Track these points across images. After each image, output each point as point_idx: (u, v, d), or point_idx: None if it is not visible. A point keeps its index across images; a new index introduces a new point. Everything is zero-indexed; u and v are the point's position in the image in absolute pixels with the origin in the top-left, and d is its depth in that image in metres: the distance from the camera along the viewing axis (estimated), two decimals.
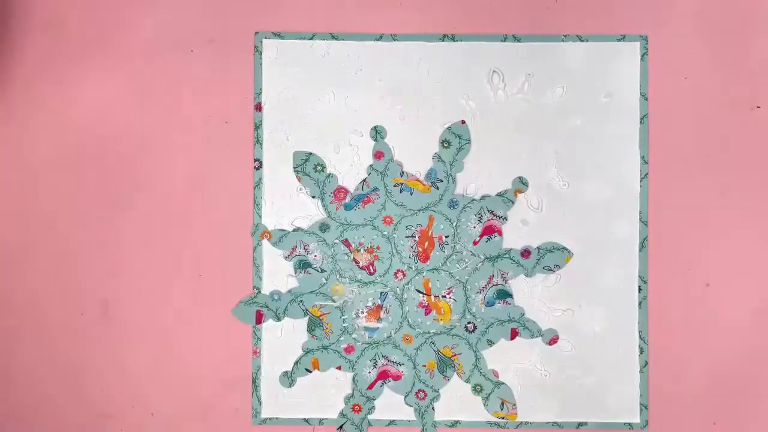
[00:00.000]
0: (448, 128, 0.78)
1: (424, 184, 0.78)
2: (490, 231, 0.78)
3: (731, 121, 0.78)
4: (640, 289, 0.77)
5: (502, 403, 0.77)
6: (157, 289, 0.78)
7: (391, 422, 0.78)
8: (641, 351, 0.77)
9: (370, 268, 0.78)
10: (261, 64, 0.79)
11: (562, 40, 0.78)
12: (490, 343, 0.78)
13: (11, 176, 0.78)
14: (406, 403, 0.77)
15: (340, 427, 0.77)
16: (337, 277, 0.78)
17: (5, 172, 0.78)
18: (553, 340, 0.77)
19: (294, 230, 0.78)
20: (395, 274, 0.78)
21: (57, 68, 0.78)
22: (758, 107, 0.78)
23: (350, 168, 0.78)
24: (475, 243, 0.78)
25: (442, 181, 0.78)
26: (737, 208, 0.77)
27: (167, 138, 0.78)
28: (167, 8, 0.79)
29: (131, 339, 0.78)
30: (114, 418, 0.77)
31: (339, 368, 0.78)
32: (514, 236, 0.78)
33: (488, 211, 0.78)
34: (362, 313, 0.78)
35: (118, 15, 0.79)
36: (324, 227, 0.78)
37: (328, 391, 0.78)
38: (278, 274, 0.78)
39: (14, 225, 0.78)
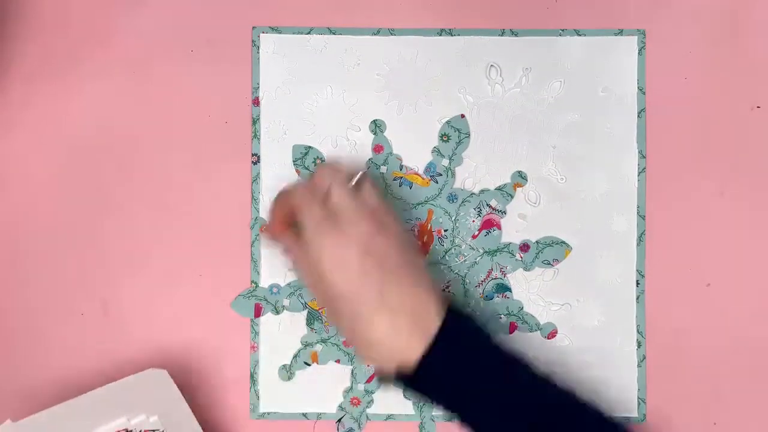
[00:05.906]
0: (448, 122, 0.78)
1: (423, 178, 0.78)
2: (489, 225, 0.78)
3: (730, 119, 0.78)
4: (637, 284, 0.77)
5: None
6: (157, 287, 0.78)
7: (390, 416, 0.77)
8: (639, 345, 0.77)
9: None
10: (258, 59, 0.79)
11: (560, 35, 0.78)
12: None
13: (10, 175, 0.78)
14: (405, 397, 0.77)
15: (339, 420, 0.77)
16: None
17: (4, 172, 0.78)
18: (552, 334, 0.77)
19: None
20: None
21: (56, 68, 0.78)
22: (758, 107, 0.78)
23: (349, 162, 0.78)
24: (474, 237, 0.78)
25: (441, 174, 0.78)
26: (737, 206, 0.77)
27: (167, 138, 0.78)
28: (167, 8, 0.79)
29: (131, 339, 0.77)
30: None
31: (338, 362, 0.77)
32: (512, 230, 0.78)
33: (487, 205, 0.78)
34: None
35: (118, 15, 0.79)
36: None
37: (326, 385, 0.77)
38: (277, 268, 0.78)
39: (13, 224, 0.78)
